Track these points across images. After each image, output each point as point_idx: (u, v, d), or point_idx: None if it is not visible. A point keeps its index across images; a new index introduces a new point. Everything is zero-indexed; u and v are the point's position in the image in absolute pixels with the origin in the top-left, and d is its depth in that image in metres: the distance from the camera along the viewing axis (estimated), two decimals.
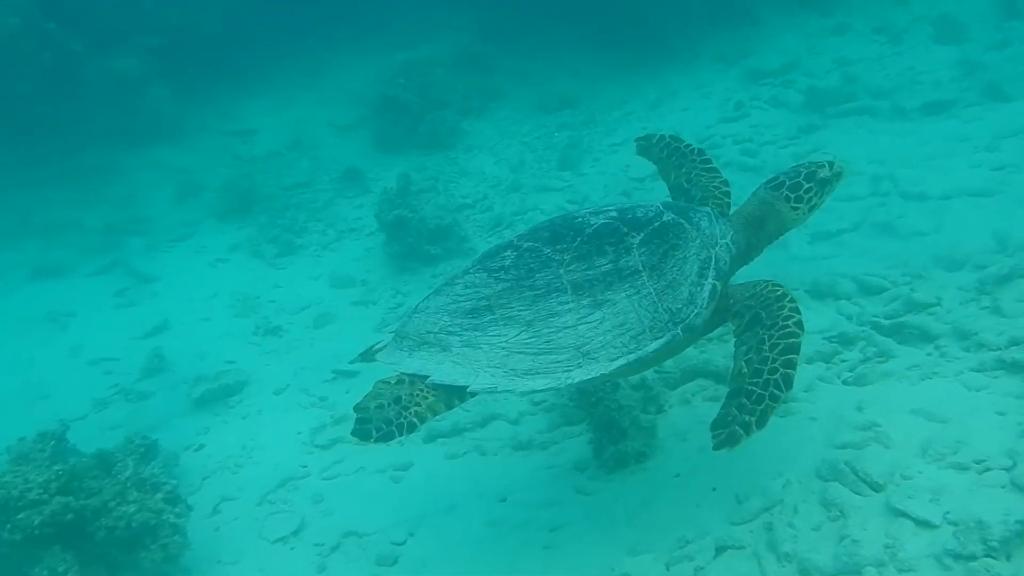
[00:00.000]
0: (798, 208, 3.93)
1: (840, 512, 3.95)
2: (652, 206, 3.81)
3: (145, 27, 14.66)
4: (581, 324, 3.49)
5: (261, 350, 8.04)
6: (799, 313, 3.51)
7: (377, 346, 3.94)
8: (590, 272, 3.54)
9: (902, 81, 8.75)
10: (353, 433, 3.45)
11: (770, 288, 3.66)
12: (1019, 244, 5.50)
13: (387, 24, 15.78)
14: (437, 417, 3.59)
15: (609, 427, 5.05)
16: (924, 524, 3.67)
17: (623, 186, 8.93)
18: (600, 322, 3.49)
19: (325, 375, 7.25)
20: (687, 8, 11.24)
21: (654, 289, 3.52)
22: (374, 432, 3.41)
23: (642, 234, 3.62)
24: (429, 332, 3.67)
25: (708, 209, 3.96)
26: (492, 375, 3.50)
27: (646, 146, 4.83)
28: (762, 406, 3.29)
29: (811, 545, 3.88)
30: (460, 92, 12.23)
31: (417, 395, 3.52)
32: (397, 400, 3.50)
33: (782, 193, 3.94)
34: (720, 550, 4.13)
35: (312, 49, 15.82)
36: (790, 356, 3.36)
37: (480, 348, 3.55)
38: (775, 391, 3.30)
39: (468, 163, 10.82)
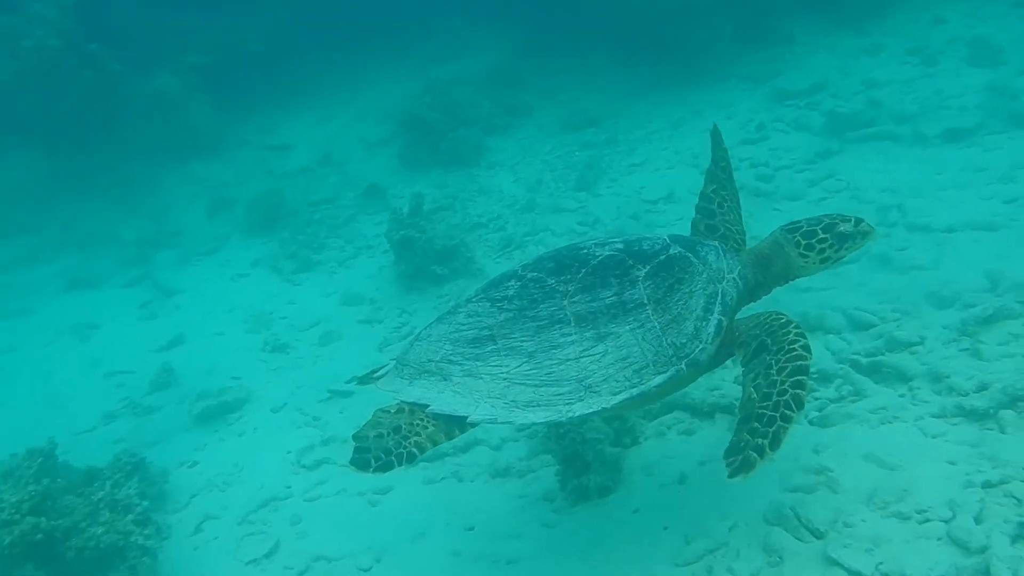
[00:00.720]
0: (807, 256, 3.80)
1: (779, 558, 3.92)
2: (659, 239, 3.76)
3: (189, 45, 15.15)
4: (584, 357, 3.45)
5: (267, 367, 8.15)
6: (805, 337, 3.47)
7: (378, 372, 3.95)
8: (594, 304, 3.51)
9: (928, 105, 8.43)
10: (351, 462, 3.44)
11: (774, 316, 3.62)
12: (1011, 284, 5.34)
13: (426, 40, 15.99)
14: (437, 447, 3.56)
15: (573, 459, 5.01)
16: (855, 575, 3.64)
17: (635, 208, 8.82)
18: (603, 355, 3.45)
19: (322, 394, 7.31)
20: (717, 27, 11.05)
21: (659, 323, 3.48)
22: (373, 462, 3.40)
23: (648, 267, 3.59)
24: (430, 360, 3.65)
25: (716, 243, 3.90)
26: (492, 406, 3.47)
27: (718, 140, 4.79)
28: (774, 428, 3.22)
29: None
30: (485, 110, 12.25)
31: (417, 425, 3.50)
32: (397, 430, 3.49)
33: (795, 238, 3.82)
34: None
35: (352, 65, 16.12)
36: (799, 378, 3.31)
37: (481, 378, 3.53)
38: (787, 411, 3.24)
39: (488, 181, 10.82)
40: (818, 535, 3.94)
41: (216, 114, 14.97)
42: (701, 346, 3.50)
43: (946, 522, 3.73)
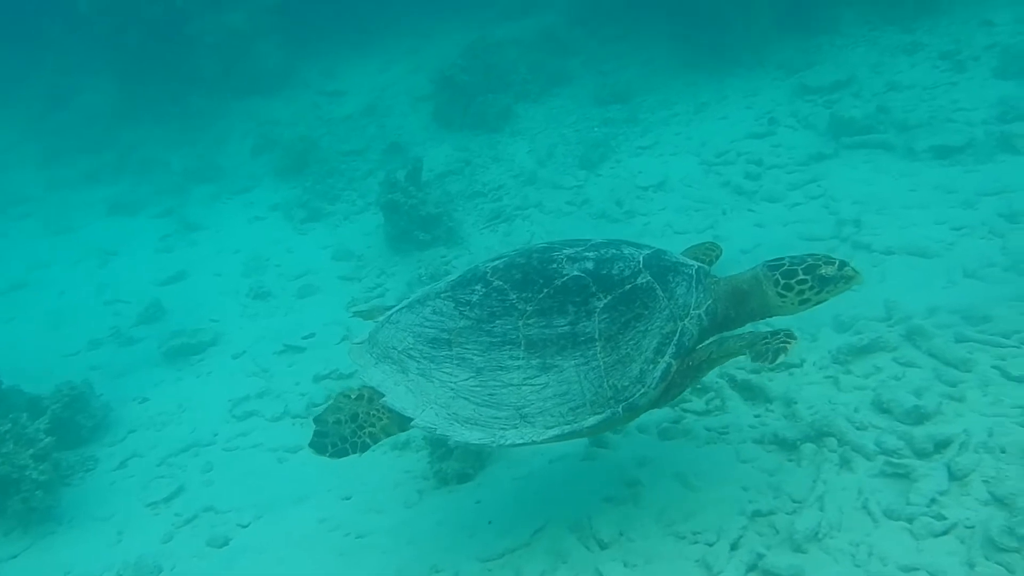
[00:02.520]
0: (785, 296, 3.63)
1: (563, 563, 4.09)
2: (633, 260, 3.62)
3: None
4: (526, 385, 3.44)
5: (245, 312, 8.52)
6: None
7: (354, 341, 4.03)
8: (547, 331, 3.46)
9: (937, 116, 7.90)
10: (310, 445, 3.63)
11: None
12: (901, 315, 5.26)
13: None
14: (391, 438, 3.72)
15: (439, 444, 5.17)
16: None
17: (624, 193, 8.67)
18: (544, 387, 3.43)
19: (280, 346, 7.60)
20: (756, 10, 10.54)
21: (604, 362, 3.42)
22: (329, 447, 3.61)
23: (609, 297, 3.49)
24: (393, 348, 3.73)
25: (694, 269, 3.70)
26: (436, 414, 3.52)
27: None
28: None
29: None
30: (522, 75, 12.16)
31: (373, 415, 3.64)
32: (354, 417, 3.65)
33: (774, 276, 3.64)
34: None
35: (418, 17, 16.21)
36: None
37: (432, 382, 3.58)
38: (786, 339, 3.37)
39: (505, 149, 10.80)
40: (603, 545, 4.08)
41: (282, 55, 15.38)
42: (643, 391, 3.43)
43: (709, 545, 3.88)
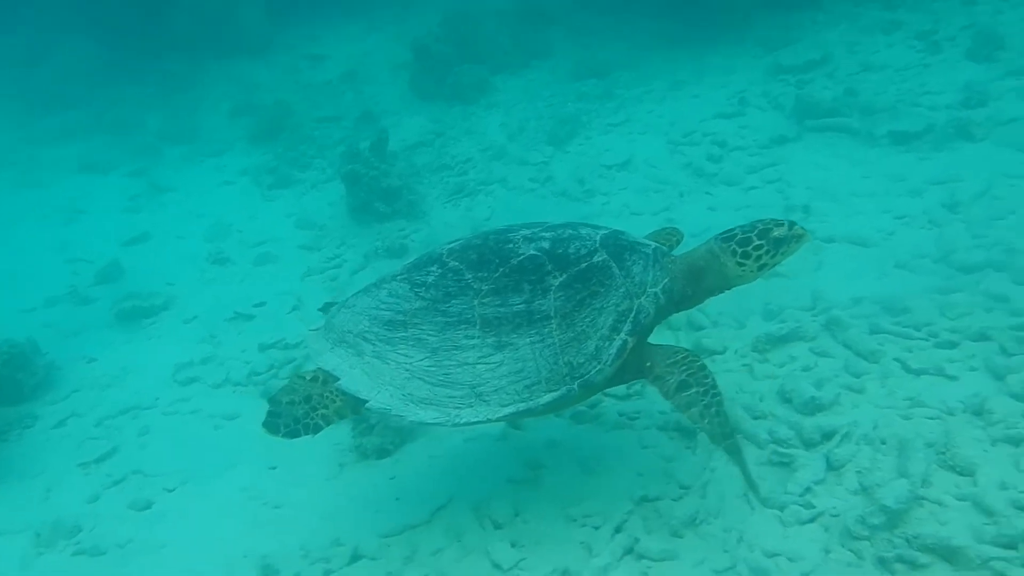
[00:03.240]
0: (744, 264, 3.69)
1: (458, 540, 4.22)
2: (589, 239, 3.68)
3: None
4: (480, 363, 3.47)
5: (203, 278, 8.49)
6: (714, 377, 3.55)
7: (313, 327, 4.08)
8: (502, 310, 3.50)
9: (904, 100, 7.79)
10: (263, 425, 3.67)
11: (691, 358, 3.60)
12: (826, 305, 5.24)
13: None
14: (343, 420, 3.75)
15: (363, 418, 5.14)
16: (496, 567, 4.00)
17: (587, 172, 8.60)
18: (499, 365, 3.46)
19: (230, 313, 7.59)
20: None
21: (559, 340, 3.46)
22: (282, 428, 3.65)
23: (564, 275, 3.53)
24: (349, 332, 3.76)
25: (651, 249, 3.77)
26: (391, 395, 3.54)
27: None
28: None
29: None
30: (502, 47, 12.04)
31: (327, 397, 3.68)
32: (308, 399, 3.68)
33: (730, 247, 3.70)
34: (355, 558, 4.37)
35: None
36: (723, 419, 3.42)
37: (388, 363, 3.60)
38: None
39: (479, 122, 10.71)
40: (497, 526, 4.19)
41: (266, 17, 15.23)
42: (599, 367, 3.47)
43: (596, 528, 3.97)
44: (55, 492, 5.62)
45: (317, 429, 3.63)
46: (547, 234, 3.70)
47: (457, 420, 3.45)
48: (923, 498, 3.64)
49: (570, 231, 3.72)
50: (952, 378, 4.41)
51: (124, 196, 10.88)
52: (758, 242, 3.64)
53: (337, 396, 3.66)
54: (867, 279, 5.65)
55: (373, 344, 3.64)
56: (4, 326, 7.79)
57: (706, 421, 3.38)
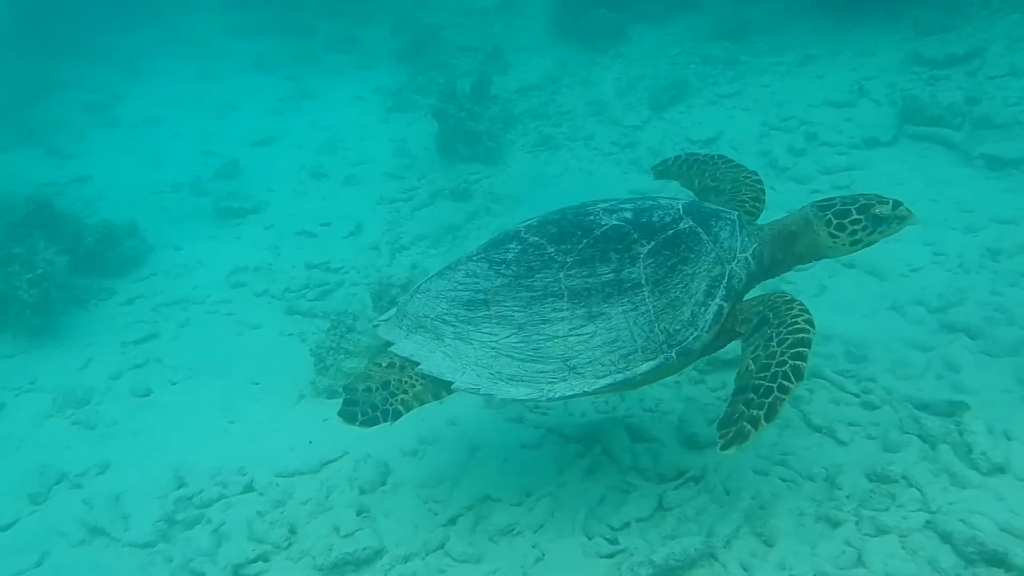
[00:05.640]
0: (837, 237, 3.61)
1: (327, 497, 4.59)
2: (672, 208, 3.61)
3: None
4: (572, 335, 3.39)
5: (298, 189, 9.29)
6: (809, 313, 3.34)
7: (379, 320, 4.06)
8: (590, 280, 3.42)
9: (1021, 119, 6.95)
10: (339, 414, 3.52)
11: (779, 294, 3.51)
12: None
13: None
14: (424, 406, 3.63)
15: (322, 358, 5.76)
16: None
17: (672, 145, 8.42)
18: (592, 336, 3.38)
19: (299, 228, 8.30)
20: None
21: (653, 307, 3.37)
22: (359, 415, 3.49)
23: (652, 243, 3.46)
24: (426, 317, 3.67)
25: (735, 216, 3.67)
26: (478, 374, 3.46)
27: (663, 170, 4.71)
28: (770, 399, 3.08)
29: None
30: None
31: (405, 382, 3.57)
32: (385, 385, 3.57)
33: (826, 216, 3.61)
34: (247, 490, 4.81)
35: None
36: (799, 349, 3.18)
37: (471, 343, 3.51)
38: (784, 383, 3.10)
39: (599, 72, 10.64)
40: (363, 491, 4.52)
41: None
42: (696, 334, 3.39)
43: (435, 514, 4.27)
44: (93, 364, 6.50)
45: (397, 415, 3.49)
46: (627, 205, 3.64)
47: (551, 395, 3.36)
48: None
49: (649, 202, 3.66)
50: (841, 443, 4.24)
51: (273, 98, 11.90)
52: (856, 216, 3.55)
53: (417, 380, 3.56)
54: (855, 315, 5.37)
55: (453, 326, 3.56)
56: (130, 203, 9.06)
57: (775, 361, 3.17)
